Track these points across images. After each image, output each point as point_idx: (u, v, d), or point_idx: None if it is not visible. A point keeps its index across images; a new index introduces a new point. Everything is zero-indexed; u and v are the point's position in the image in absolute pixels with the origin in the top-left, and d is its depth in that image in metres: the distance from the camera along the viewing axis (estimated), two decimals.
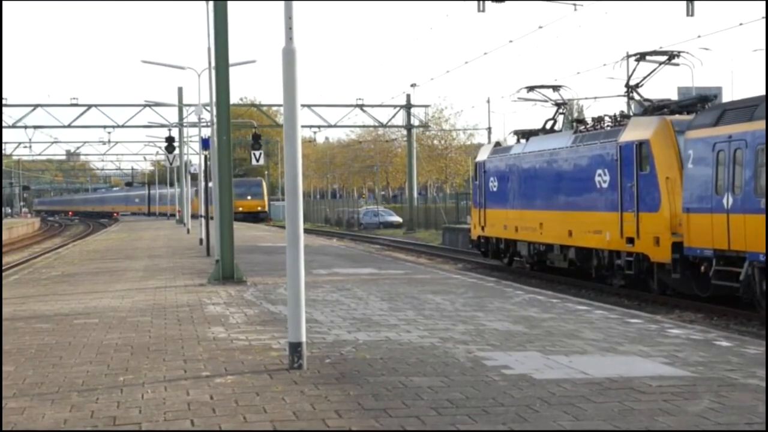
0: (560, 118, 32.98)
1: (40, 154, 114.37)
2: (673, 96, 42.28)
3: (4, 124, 64.91)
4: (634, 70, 27.38)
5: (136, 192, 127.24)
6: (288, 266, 10.29)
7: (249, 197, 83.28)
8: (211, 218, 28.30)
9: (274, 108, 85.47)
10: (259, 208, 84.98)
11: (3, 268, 31.02)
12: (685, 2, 32.36)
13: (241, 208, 74.94)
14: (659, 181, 22.84)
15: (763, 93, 20.61)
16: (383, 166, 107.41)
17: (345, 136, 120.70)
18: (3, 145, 75.85)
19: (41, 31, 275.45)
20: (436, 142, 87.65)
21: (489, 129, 77.51)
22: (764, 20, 34.49)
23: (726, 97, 56.74)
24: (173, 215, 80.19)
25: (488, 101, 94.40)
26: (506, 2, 30.80)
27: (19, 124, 66.44)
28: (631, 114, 27.81)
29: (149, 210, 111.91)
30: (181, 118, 70.18)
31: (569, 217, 27.64)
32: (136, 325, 14.26)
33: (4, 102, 62.69)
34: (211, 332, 13.29)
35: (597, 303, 17.80)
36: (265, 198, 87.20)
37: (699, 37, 55.66)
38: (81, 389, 9.45)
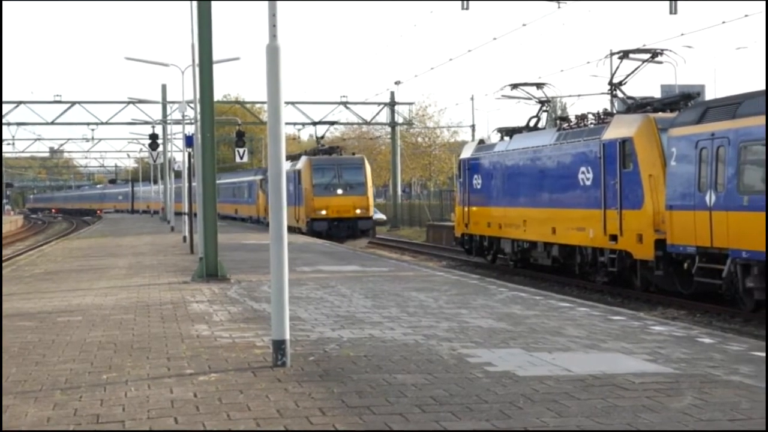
0: (544, 116, 33.07)
1: (23, 152, 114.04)
2: (657, 94, 42.36)
3: None
4: (617, 67, 27.49)
5: (120, 189, 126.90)
6: (272, 264, 10.28)
7: (339, 191, 47.06)
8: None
9: (258, 105, 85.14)
10: (359, 211, 47.01)
11: None
12: (668, 1, 32.44)
13: (324, 212, 46.49)
14: (642, 178, 22.91)
15: (745, 91, 20.67)
16: None
17: (329, 134, 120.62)
18: None
19: (24, 28, 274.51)
20: (420, 139, 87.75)
21: (473, 126, 77.63)
22: (760, 18, 34.57)
23: (709, 95, 56.98)
24: (157, 212, 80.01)
25: (472, 99, 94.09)
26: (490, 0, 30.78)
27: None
28: (615, 112, 27.88)
29: (133, 207, 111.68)
30: (164, 115, 70.07)
31: (553, 215, 27.70)
32: (119, 322, 14.23)
33: None
34: (194, 330, 13.27)
35: (580, 300, 17.84)
36: (369, 192, 48.48)
37: (682, 35, 56.11)
38: (64, 387, 9.43)
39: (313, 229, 45.73)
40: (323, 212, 46.17)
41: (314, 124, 60.69)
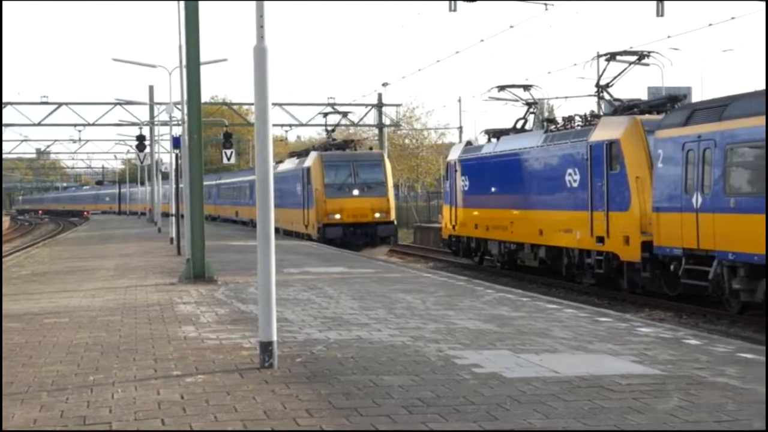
0: (531, 118, 33.15)
1: (9, 153, 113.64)
2: (643, 96, 42.52)
3: None
4: (604, 69, 27.54)
5: (107, 191, 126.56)
6: (259, 265, 10.27)
7: (356, 192, 40.63)
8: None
9: (246, 106, 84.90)
10: (379, 215, 40.47)
11: None
12: (655, 2, 32.51)
13: (338, 216, 40.06)
14: (629, 180, 22.96)
15: (732, 93, 20.74)
16: None
17: (317, 135, 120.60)
18: None
19: (11, 29, 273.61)
20: (407, 141, 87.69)
21: (460, 128, 77.69)
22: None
23: (695, 97, 57.14)
24: (144, 214, 79.83)
25: (459, 100, 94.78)
26: (478, 1, 30.83)
27: None
28: (602, 114, 27.94)
29: (120, 208, 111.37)
30: (152, 116, 69.83)
31: (540, 216, 27.74)
32: (106, 324, 14.20)
33: None
34: (181, 331, 13.25)
35: (567, 302, 17.86)
36: (390, 192, 41.67)
37: (669, 37, 56.14)
38: (51, 389, 9.41)
39: (325, 235, 39.68)
40: (337, 216, 39.95)
41: (302, 125, 57.53)
